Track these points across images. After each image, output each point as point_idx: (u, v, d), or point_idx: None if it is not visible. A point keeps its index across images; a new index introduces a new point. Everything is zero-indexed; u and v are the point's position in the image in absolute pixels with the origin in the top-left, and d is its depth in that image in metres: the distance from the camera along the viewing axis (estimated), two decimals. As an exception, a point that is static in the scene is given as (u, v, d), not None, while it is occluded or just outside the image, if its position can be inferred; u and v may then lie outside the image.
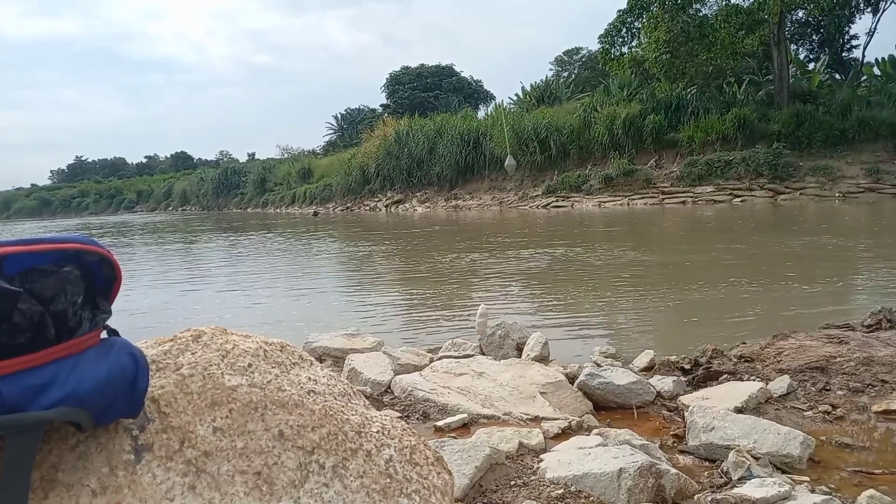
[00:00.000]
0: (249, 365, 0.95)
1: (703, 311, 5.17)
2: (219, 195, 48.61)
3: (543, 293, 6.40)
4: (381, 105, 49.36)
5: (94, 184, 77.69)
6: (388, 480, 0.94)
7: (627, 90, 23.79)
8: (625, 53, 23.92)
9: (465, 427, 2.46)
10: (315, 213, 30.69)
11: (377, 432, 1.00)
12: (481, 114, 35.52)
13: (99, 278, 0.79)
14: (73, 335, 0.74)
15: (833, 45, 26.00)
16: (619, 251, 9.07)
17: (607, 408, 2.75)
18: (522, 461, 2.10)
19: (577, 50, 41.77)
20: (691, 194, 19.21)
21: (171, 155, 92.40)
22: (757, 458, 2.03)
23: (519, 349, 3.59)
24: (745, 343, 3.53)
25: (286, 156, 48.26)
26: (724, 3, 21.69)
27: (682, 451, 2.24)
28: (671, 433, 2.41)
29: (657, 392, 2.79)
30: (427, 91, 45.31)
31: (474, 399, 2.72)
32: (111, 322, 0.82)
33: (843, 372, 2.86)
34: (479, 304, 4.00)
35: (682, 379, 3.01)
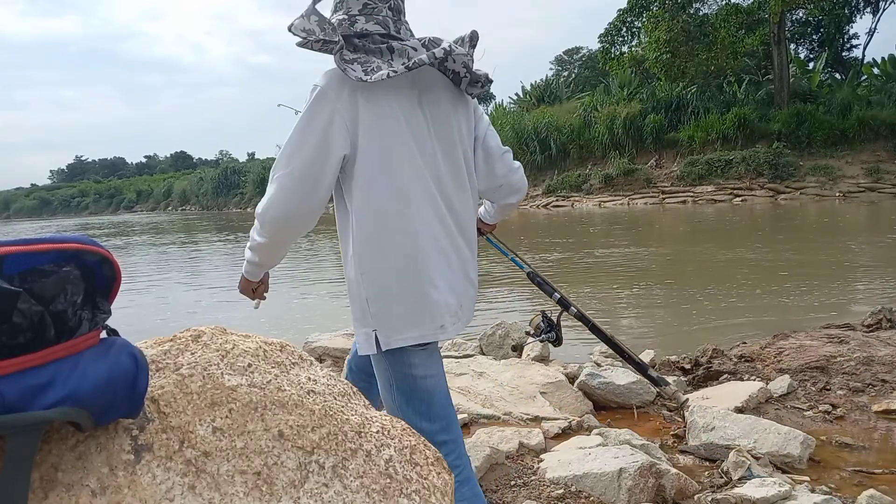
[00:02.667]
0: (249, 365, 0.95)
1: (703, 311, 5.17)
2: (218, 195, 48.55)
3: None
4: (381, 104, 49.30)
5: (94, 184, 77.61)
6: (388, 481, 0.94)
7: (627, 90, 23.79)
8: (625, 53, 23.91)
9: (466, 427, 2.46)
10: (315, 213, 30.66)
11: (377, 432, 1.00)
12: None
13: (99, 278, 0.79)
14: (73, 335, 0.74)
15: (833, 44, 25.97)
16: (618, 251, 9.07)
17: (607, 408, 2.75)
18: (522, 461, 2.10)
19: (577, 49, 41.76)
20: (691, 194, 19.20)
21: (171, 155, 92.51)
22: (757, 458, 2.03)
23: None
24: (745, 343, 3.53)
25: (286, 155, 48.21)
26: (724, 2, 21.69)
27: (682, 451, 2.24)
28: (671, 433, 2.42)
29: (657, 392, 2.79)
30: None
31: (474, 399, 2.72)
32: (111, 322, 0.82)
33: (844, 371, 2.86)
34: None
35: (683, 378, 3.01)
